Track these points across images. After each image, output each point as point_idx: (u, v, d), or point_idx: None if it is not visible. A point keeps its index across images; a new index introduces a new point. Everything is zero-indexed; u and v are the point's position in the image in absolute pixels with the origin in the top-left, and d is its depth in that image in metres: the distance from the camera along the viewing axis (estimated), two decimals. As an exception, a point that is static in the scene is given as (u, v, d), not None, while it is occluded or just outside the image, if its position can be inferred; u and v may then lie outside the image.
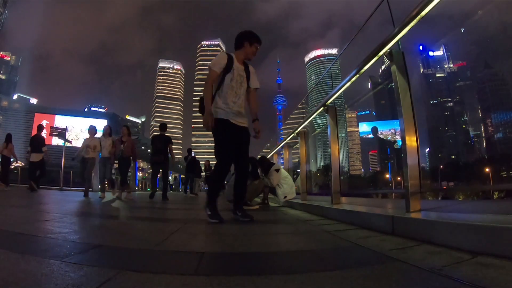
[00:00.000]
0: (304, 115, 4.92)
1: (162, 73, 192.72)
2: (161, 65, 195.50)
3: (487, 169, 59.62)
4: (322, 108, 3.48)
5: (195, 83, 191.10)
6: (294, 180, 5.45)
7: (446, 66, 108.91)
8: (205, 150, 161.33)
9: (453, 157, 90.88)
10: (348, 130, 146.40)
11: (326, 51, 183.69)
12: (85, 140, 6.55)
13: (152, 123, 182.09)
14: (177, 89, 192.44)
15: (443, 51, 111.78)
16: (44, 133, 8.48)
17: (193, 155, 10.79)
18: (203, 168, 12.38)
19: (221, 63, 2.54)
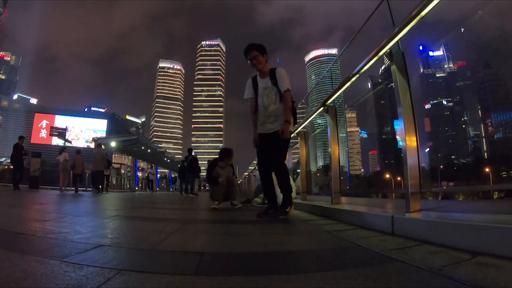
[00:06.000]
0: (304, 115, 4.92)
1: (162, 73, 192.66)
2: (161, 65, 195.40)
3: (487, 169, 59.64)
4: (322, 108, 3.48)
5: (195, 83, 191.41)
6: (294, 180, 5.44)
7: (446, 66, 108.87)
8: (205, 150, 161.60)
9: (453, 157, 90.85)
10: (348, 130, 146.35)
11: (326, 51, 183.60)
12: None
13: (152, 123, 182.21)
14: (177, 89, 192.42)
15: (443, 51, 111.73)
16: (44, 133, 9.03)
17: (193, 154, 10.74)
18: (203, 168, 12.36)
19: (249, 89, 2.93)
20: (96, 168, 9.96)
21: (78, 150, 11.10)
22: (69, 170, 10.26)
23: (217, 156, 4.42)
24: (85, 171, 10.91)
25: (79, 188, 10.13)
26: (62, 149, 10.76)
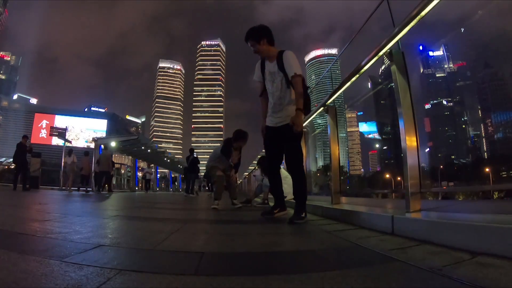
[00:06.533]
0: (304, 115, 4.89)
1: (162, 73, 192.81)
2: (161, 65, 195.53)
3: (487, 169, 59.68)
4: (322, 108, 3.48)
5: (195, 83, 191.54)
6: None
7: (446, 66, 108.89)
8: (205, 150, 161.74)
9: (453, 157, 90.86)
10: (348, 130, 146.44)
11: (326, 51, 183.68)
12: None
13: (152, 123, 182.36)
14: (177, 89, 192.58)
15: (443, 51, 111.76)
16: (44, 133, 9.06)
17: (194, 155, 10.77)
18: (202, 168, 12.37)
19: (257, 72, 2.68)
20: (102, 169, 10.47)
21: (86, 152, 11.62)
22: (76, 172, 10.93)
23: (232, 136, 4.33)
24: (91, 172, 11.37)
25: (81, 188, 10.34)
26: (70, 151, 11.26)
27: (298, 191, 2.52)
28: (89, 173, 10.98)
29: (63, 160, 11.63)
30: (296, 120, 2.32)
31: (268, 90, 2.61)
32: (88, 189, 11.19)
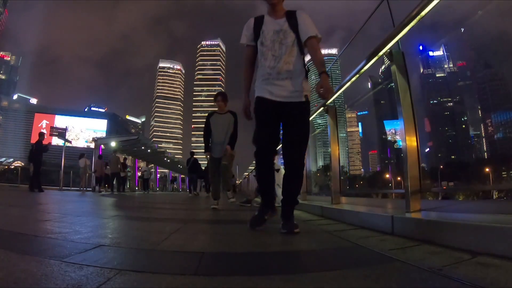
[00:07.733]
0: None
1: (162, 73, 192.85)
2: (161, 65, 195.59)
3: (487, 169, 59.73)
4: (322, 108, 3.48)
5: (195, 83, 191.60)
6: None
7: (446, 66, 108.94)
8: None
9: (453, 157, 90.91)
10: (348, 130, 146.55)
11: (326, 51, 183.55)
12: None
13: (152, 123, 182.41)
14: (177, 89, 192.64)
15: (443, 51, 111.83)
16: (43, 131, 9.08)
17: (194, 157, 11.22)
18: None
19: (248, 32, 2.06)
20: (112, 170, 11.43)
21: (100, 156, 12.64)
22: (88, 174, 11.96)
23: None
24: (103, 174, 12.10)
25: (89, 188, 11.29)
26: (82, 154, 12.12)
27: (293, 190, 1.98)
28: (102, 174, 11.83)
29: (63, 161, 11.64)
30: (325, 83, 1.75)
31: (268, 52, 1.94)
32: (88, 189, 11.22)
